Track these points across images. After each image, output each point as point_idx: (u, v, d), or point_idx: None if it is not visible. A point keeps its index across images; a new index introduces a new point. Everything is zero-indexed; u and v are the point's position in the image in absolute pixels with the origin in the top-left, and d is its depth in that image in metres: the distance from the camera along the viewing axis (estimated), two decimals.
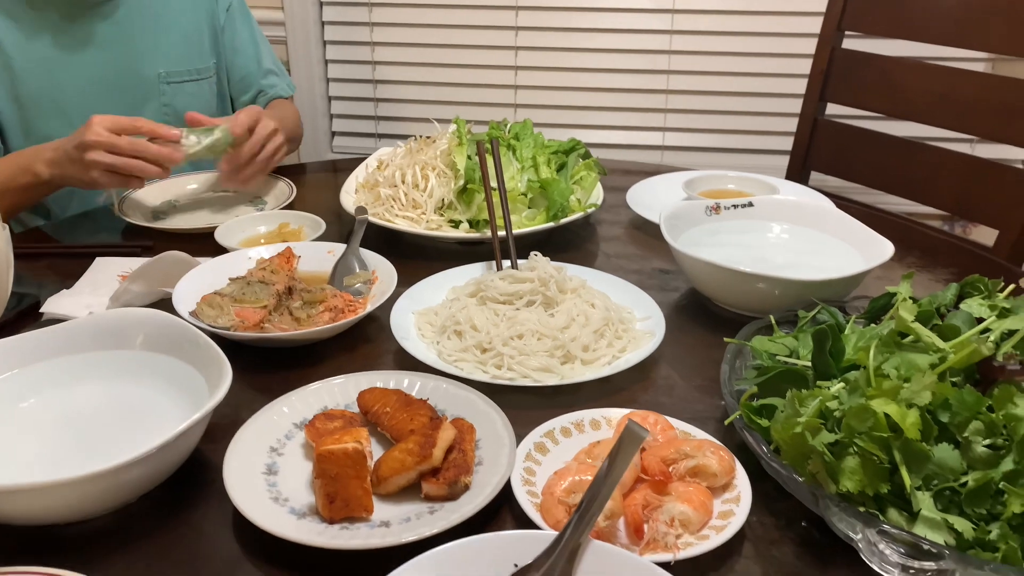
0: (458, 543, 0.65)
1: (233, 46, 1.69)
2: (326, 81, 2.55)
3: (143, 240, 1.29)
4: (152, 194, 1.45)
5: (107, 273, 1.16)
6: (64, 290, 1.11)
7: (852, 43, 1.84)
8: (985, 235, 2.18)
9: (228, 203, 1.46)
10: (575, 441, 0.83)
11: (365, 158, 1.49)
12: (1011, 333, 0.78)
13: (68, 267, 1.19)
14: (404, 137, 1.44)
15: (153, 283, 1.06)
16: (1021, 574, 0.61)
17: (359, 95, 2.55)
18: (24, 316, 1.07)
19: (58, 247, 1.28)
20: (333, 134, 2.63)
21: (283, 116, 1.59)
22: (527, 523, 0.72)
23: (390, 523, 0.72)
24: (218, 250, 1.21)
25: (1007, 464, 0.67)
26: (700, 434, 0.83)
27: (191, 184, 1.50)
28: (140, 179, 1.28)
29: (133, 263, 1.18)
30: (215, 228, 1.26)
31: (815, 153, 1.91)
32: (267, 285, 1.04)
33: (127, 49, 1.51)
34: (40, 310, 1.06)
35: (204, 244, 1.22)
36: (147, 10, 1.52)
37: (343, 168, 1.66)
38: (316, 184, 1.61)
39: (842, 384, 0.76)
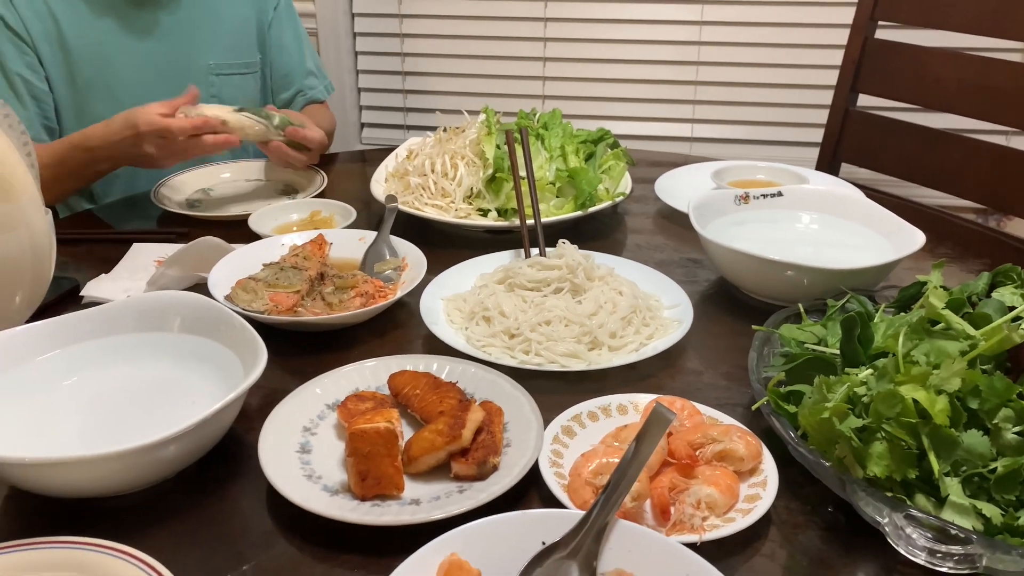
0: (488, 520, 0.66)
1: (279, 43, 1.71)
2: (356, 73, 2.57)
3: (178, 227, 1.31)
4: (187, 182, 1.47)
5: (144, 258, 1.19)
6: (103, 275, 1.13)
7: (885, 33, 1.82)
8: (1020, 228, 2.16)
9: (261, 192, 1.48)
10: (602, 425, 0.84)
11: (394, 148, 1.51)
12: None
13: (106, 252, 1.22)
14: (433, 128, 1.46)
15: (188, 268, 1.09)
16: None
17: (388, 87, 2.57)
18: (64, 300, 1.10)
19: (96, 233, 1.31)
20: (362, 125, 2.65)
21: (318, 123, 1.63)
22: (554, 503, 0.73)
23: (420, 501, 0.74)
24: (251, 237, 1.23)
25: None
26: (727, 420, 0.83)
27: (225, 173, 1.52)
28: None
29: (169, 249, 1.20)
30: (248, 216, 1.28)
31: (846, 144, 1.90)
32: (300, 271, 1.06)
33: (181, 39, 1.54)
34: (80, 294, 1.08)
35: (238, 231, 1.25)
36: (203, 2, 1.55)
37: (372, 159, 1.67)
38: (346, 174, 1.63)
39: (870, 370, 0.76)
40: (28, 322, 0.94)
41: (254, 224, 1.25)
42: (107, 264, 1.18)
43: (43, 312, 1.00)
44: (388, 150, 1.53)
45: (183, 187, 1.46)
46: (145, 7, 1.49)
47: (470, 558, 0.64)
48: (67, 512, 0.75)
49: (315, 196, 1.40)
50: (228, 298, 1.01)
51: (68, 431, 0.81)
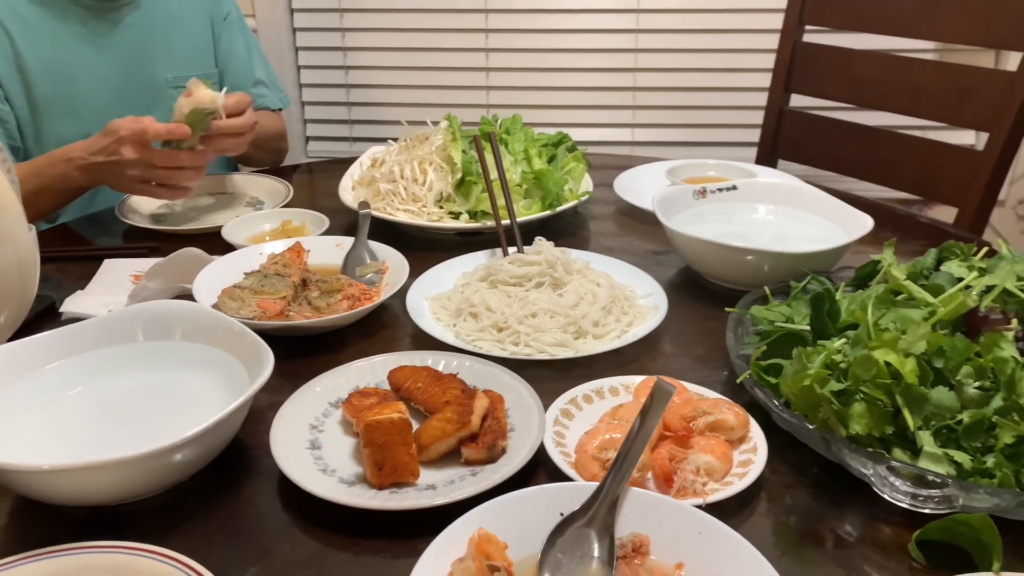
0: (509, 496, 0.70)
1: (229, 53, 1.72)
2: (299, 87, 2.57)
3: (147, 242, 1.31)
4: (150, 197, 1.47)
5: (118, 273, 1.19)
6: (79, 291, 1.13)
7: (812, 36, 1.93)
8: (943, 215, 2.30)
9: (225, 205, 1.49)
10: (597, 407, 0.88)
11: (342, 160, 1.53)
12: (990, 288, 0.86)
13: (76, 269, 1.21)
14: (379, 140, 1.49)
15: (170, 280, 1.09)
16: (1015, 496, 0.69)
17: (332, 100, 2.58)
18: (42, 317, 1.09)
19: (66, 250, 1.29)
20: (308, 139, 2.65)
21: (264, 125, 1.63)
22: (562, 480, 0.77)
23: (436, 486, 0.77)
24: (225, 248, 1.24)
25: (997, 401, 0.74)
26: (712, 395, 0.89)
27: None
28: (181, 189, 1.33)
29: (143, 263, 1.20)
30: (219, 228, 1.29)
31: (781, 143, 2.00)
32: (283, 277, 1.08)
33: (139, 53, 1.54)
34: (60, 310, 1.08)
35: (209, 243, 1.25)
36: (159, 16, 1.55)
37: (319, 170, 1.70)
38: (301, 184, 1.64)
39: (844, 340, 0.83)
40: (10, 340, 0.94)
41: (227, 235, 1.26)
42: (80, 281, 1.17)
43: (23, 330, 0.99)
44: (336, 162, 1.55)
45: (148, 202, 1.45)
46: (92, 24, 1.48)
47: (496, 532, 0.67)
48: (87, 519, 0.76)
49: (283, 206, 1.41)
50: (215, 307, 1.02)
51: (77, 440, 0.82)
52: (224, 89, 1.32)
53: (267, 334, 1.01)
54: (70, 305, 1.08)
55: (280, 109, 1.81)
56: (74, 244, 1.36)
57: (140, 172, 1.28)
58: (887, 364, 0.76)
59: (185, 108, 1.27)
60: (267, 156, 1.76)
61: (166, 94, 1.56)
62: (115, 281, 1.16)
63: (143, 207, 1.45)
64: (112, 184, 1.33)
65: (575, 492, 0.71)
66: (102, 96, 1.50)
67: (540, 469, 0.81)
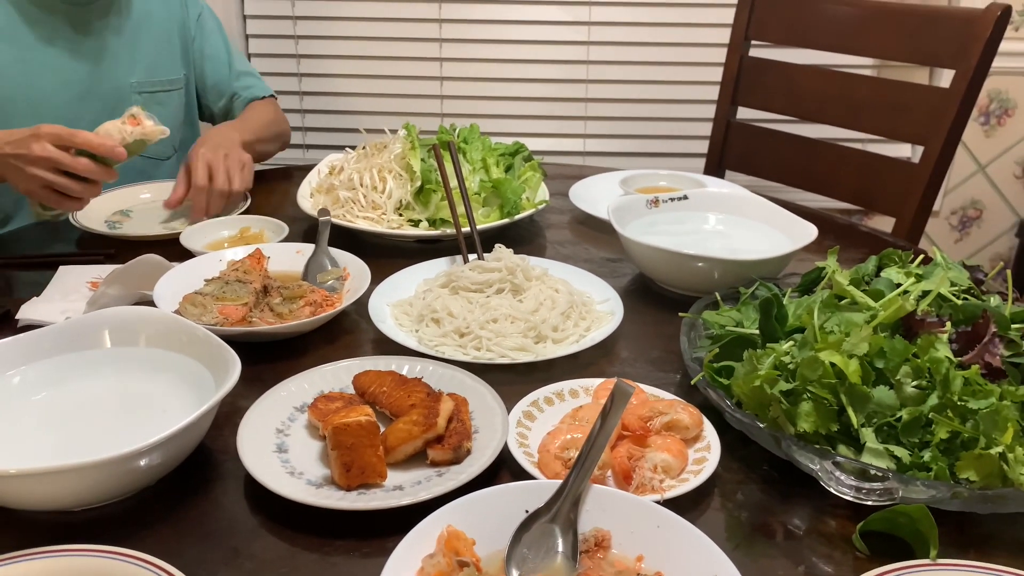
0: (476, 494, 0.72)
1: (203, 54, 1.72)
2: None
3: (103, 248, 1.30)
4: (106, 204, 1.45)
5: (74, 280, 1.18)
6: (35, 298, 1.12)
7: (758, 51, 2.00)
8: (881, 224, 2.40)
9: (181, 211, 1.48)
10: (558, 408, 0.91)
11: (294, 168, 1.54)
12: (926, 293, 0.91)
13: (29, 276, 1.20)
14: (334, 147, 1.50)
15: (130, 286, 1.09)
16: (949, 487, 0.73)
17: (285, 107, 2.56)
18: None
19: (18, 258, 1.27)
20: None
21: (255, 118, 1.66)
22: (526, 478, 0.80)
23: (403, 487, 0.79)
24: (183, 254, 1.24)
25: (933, 400, 0.79)
26: (668, 396, 0.93)
27: (144, 194, 1.51)
28: (75, 200, 1.28)
29: (100, 270, 1.20)
30: (176, 234, 1.29)
31: (729, 154, 2.07)
32: (244, 284, 1.09)
33: (105, 58, 1.52)
34: (16, 317, 1.07)
35: (167, 250, 1.24)
36: (127, 21, 1.54)
37: (275, 178, 1.71)
38: (255, 192, 1.63)
39: (792, 342, 0.88)
40: None
41: (186, 241, 1.26)
42: (34, 288, 1.16)
43: None
44: (292, 169, 1.56)
45: (102, 209, 1.44)
46: (58, 24, 1.46)
47: (464, 529, 0.69)
48: (49, 526, 0.76)
49: (240, 213, 1.41)
50: (177, 313, 1.02)
51: (41, 445, 0.81)
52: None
53: (230, 340, 1.02)
54: (27, 312, 1.07)
55: (272, 95, 1.82)
56: (27, 251, 1.34)
57: (43, 172, 1.23)
58: (832, 365, 0.80)
59: (130, 137, 1.27)
60: (271, 146, 1.74)
61: (130, 100, 1.54)
62: (71, 288, 1.15)
63: (98, 213, 1.43)
64: (10, 178, 1.27)
65: (539, 490, 0.73)
66: (64, 99, 1.48)
67: (504, 469, 0.84)
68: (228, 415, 0.90)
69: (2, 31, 1.43)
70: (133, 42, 1.57)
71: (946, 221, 2.74)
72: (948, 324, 0.86)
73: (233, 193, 1.40)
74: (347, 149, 1.51)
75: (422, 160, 1.36)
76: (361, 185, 1.36)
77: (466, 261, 1.20)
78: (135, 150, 1.28)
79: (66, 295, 1.13)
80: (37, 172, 1.23)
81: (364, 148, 1.46)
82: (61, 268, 1.21)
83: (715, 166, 2.08)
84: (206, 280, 1.11)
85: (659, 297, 1.22)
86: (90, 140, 1.23)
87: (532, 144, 2.49)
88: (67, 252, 1.30)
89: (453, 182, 1.31)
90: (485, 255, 1.19)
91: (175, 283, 1.10)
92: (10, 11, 1.43)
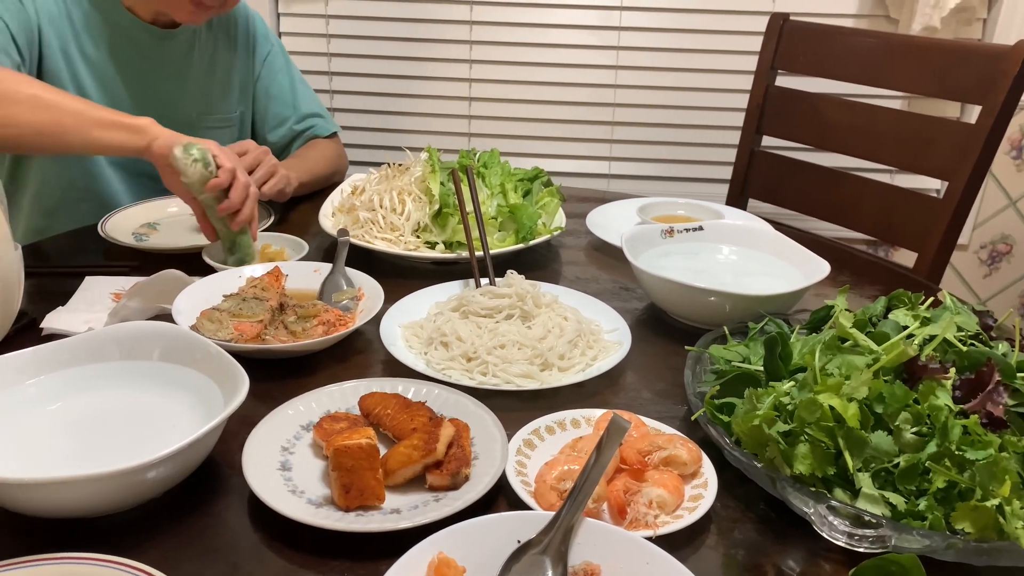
0: (469, 522, 0.73)
1: (268, 94, 1.76)
2: None
3: (128, 260, 1.33)
4: (133, 216, 1.49)
5: (99, 291, 1.21)
6: (60, 307, 1.15)
7: (784, 80, 2.01)
8: (906, 257, 2.38)
9: None
10: (559, 438, 0.92)
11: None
12: (932, 338, 0.91)
13: (58, 285, 1.24)
14: (361, 163, 1.53)
15: (150, 299, 1.12)
16: (944, 538, 0.73)
17: None
18: (22, 333, 1.11)
19: (47, 267, 1.31)
20: None
21: (313, 157, 1.72)
22: (522, 508, 0.81)
23: (400, 510, 0.80)
24: (204, 269, 1.27)
25: (931, 447, 0.79)
26: (668, 430, 0.93)
27: (171, 207, 1.55)
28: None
29: (124, 282, 1.23)
30: (200, 248, 1.32)
31: (752, 181, 2.07)
32: (261, 301, 1.11)
33: (169, 91, 1.57)
34: (40, 326, 1.10)
35: (190, 264, 1.28)
36: (201, 54, 1.58)
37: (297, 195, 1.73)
38: (279, 207, 1.66)
39: (792, 383, 0.88)
40: None
41: (208, 257, 1.29)
42: (60, 297, 1.19)
43: (2, 346, 1.02)
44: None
45: (129, 221, 1.48)
46: (153, 50, 1.51)
47: (455, 557, 0.71)
48: (63, 531, 0.78)
49: (264, 230, 1.44)
50: (194, 328, 1.05)
51: (54, 454, 0.84)
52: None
53: (243, 356, 1.05)
54: (51, 321, 1.10)
55: (334, 133, 1.85)
56: (56, 261, 1.39)
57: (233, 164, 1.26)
58: (831, 408, 0.81)
59: (198, 184, 1.25)
60: (324, 183, 1.74)
61: (188, 132, 1.55)
62: (95, 299, 1.18)
63: (125, 225, 1.47)
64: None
65: (532, 520, 0.74)
66: None
67: (501, 496, 0.85)
68: (236, 430, 0.92)
69: (92, 64, 1.47)
70: (195, 77, 1.60)
71: (975, 255, 2.70)
72: (952, 371, 0.86)
73: (259, 192, 1.41)
74: (371, 169, 1.54)
75: (441, 184, 1.38)
76: (381, 206, 1.38)
77: (478, 285, 1.21)
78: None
79: (90, 306, 1.16)
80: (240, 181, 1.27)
81: (386, 170, 1.48)
82: (87, 278, 1.25)
83: (738, 194, 2.08)
84: (224, 296, 1.13)
85: (669, 328, 1.23)
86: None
87: (558, 165, 2.54)
88: (94, 263, 1.33)
89: (470, 206, 1.33)
90: (497, 280, 1.20)
91: (194, 297, 1.13)
92: (100, 45, 1.48)
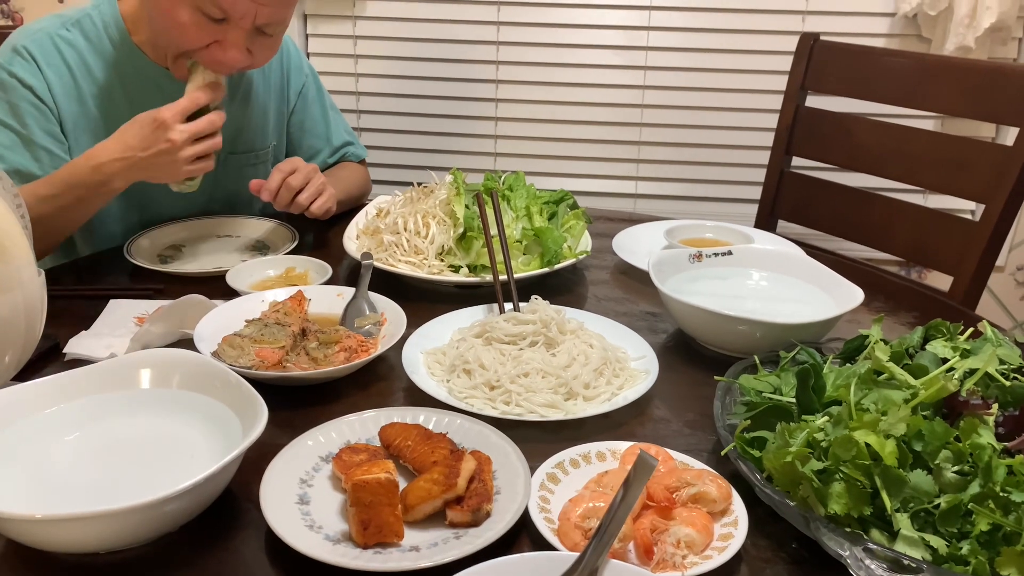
0: (492, 563, 0.71)
1: (302, 127, 1.75)
2: None
3: (153, 283, 1.33)
4: (158, 238, 1.50)
5: (122, 314, 1.21)
6: (83, 331, 1.15)
7: (814, 101, 1.97)
8: (939, 280, 2.32)
9: (233, 247, 1.52)
10: (583, 472, 0.90)
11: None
12: (972, 371, 0.88)
13: (82, 309, 1.24)
14: (387, 183, 1.52)
15: (173, 324, 1.12)
16: None
17: None
18: (45, 357, 1.11)
19: (71, 289, 1.31)
20: None
21: (346, 178, 1.71)
22: (545, 547, 0.78)
23: (419, 548, 0.78)
24: (227, 292, 1.26)
25: (974, 488, 0.75)
26: (697, 465, 0.91)
27: (196, 229, 1.55)
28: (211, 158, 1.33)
29: (147, 305, 1.23)
30: (223, 272, 1.32)
31: (781, 202, 2.04)
32: (283, 327, 1.10)
33: None
34: (63, 351, 1.10)
35: (213, 287, 1.27)
36: (232, 88, 1.54)
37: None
38: (304, 228, 1.66)
39: (826, 417, 0.85)
40: (13, 380, 0.96)
41: (231, 280, 1.29)
42: (84, 321, 1.20)
43: (25, 370, 1.02)
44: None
45: (155, 243, 1.48)
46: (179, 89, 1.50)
47: None
48: (70, 567, 0.77)
49: (288, 252, 1.44)
50: (215, 354, 1.04)
51: (71, 486, 0.83)
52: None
53: (264, 383, 1.04)
54: (74, 347, 1.10)
55: (363, 159, 1.86)
56: (80, 282, 1.39)
57: (192, 151, 1.28)
58: (867, 445, 0.77)
59: (200, 80, 1.33)
60: (348, 206, 1.72)
61: (218, 170, 1.54)
62: (118, 322, 1.18)
63: (150, 247, 1.47)
64: (159, 176, 1.32)
65: (555, 561, 0.72)
66: None
67: (524, 534, 0.82)
68: (255, 460, 0.90)
69: (103, 98, 1.45)
70: (235, 114, 1.57)
71: (1011, 277, 2.64)
72: (995, 407, 0.82)
73: (304, 207, 1.47)
74: (396, 192, 1.53)
75: (466, 207, 1.36)
76: (405, 229, 1.37)
77: (502, 311, 1.20)
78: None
79: (113, 330, 1.16)
80: (189, 153, 1.28)
81: (411, 192, 1.47)
82: (111, 302, 1.25)
83: (767, 215, 2.05)
84: (246, 321, 1.12)
85: (698, 355, 1.20)
86: (198, 98, 1.30)
87: (584, 185, 2.52)
88: (118, 286, 1.33)
89: (494, 230, 1.32)
90: (521, 305, 1.18)
91: (216, 323, 1.12)
92: (112, 83, 1.46)
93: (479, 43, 2.46)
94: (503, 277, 1.26)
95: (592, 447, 0.93)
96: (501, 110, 2.52)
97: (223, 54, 1.32)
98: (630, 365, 1.11)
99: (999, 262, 2.52)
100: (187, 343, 1.09)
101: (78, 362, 1.06)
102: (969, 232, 1.68)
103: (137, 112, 1.33)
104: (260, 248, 1.51)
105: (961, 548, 0.73)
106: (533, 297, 1.17)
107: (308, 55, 2.54)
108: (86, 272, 1.46)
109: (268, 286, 1.31)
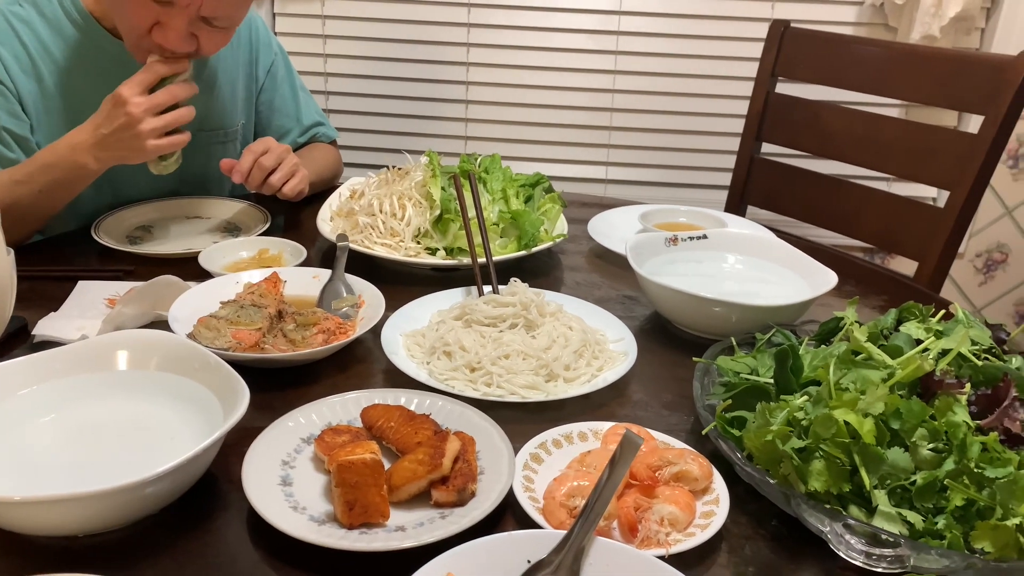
0: (479, 542, 0.71)
1: (271, 106, 1.72)
2: None
3: (123, 264, 1.31)
4: (127, 219, 1.46)
5: (92, 296, 1.18)
6: (52, 313, 1.12)
7: (784, 88, 1.99)
8: (903, 266, 2.37)
9: (203, 228, 1.49)
10: (566, 451, 0.90)
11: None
12: (946, 352, 0.90)
13: (49, 290, 1.21)
14: (357, 166, 1.50)
15: (146, 306, 1.09)
16: (963, 557, 0.72)
17: None
18: (14, 339, 1.08)
19: (39, 270, 1.28)
20: None
21: (317, 159, 1.68)
22: (531, 525, 0.79)
23: (405, 528, 0.78)
24: (200, 274, 1.24)
25: (949, 464, 0.77)
26: (678, 444, 0.92)
27: (165, 210, 1.52)
28: (183, 134, 1.31)
29: (118, 286, 1.21)
30: (195, 253, 1.30)
31: (751, 189, 2.06)
32: (259, 308, 1.09)
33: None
34: (32, 332, 1.07)
35: (185, 269, 1.25)
36: (199, 65, 1.50)
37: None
38: (276, 211, 1.63)
39: (806, 397, 0.86)
40: None
41: (204, 262, 1.27)
42: (52, 302, 1.17)
43: None
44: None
45: (123, 223, 1.45)
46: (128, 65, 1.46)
47: None
48: (49, 551, 0.76)
49: (260, 234, 1.42)
50: (191, 336, 1.03)
51: (48, 469, 0.81)
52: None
53: (241, 365, 1.02)
54: (43, 328, 1.08)
55: (334, 140, 1.84)
56: (47, 263, 1.35)
57: (153, 124, 1.26)
58: (846, 423, 0.79)
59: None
60: (320, 188, 1.69)
61: (186, 149, 1.51)
62: (89, 304, 1.16)
63: (119, 227, 1.44)
64: (128, 154, 1.29)
65: (543, 540, 0.72)
66: None
67: (508, 513, 0.83)
68: (236, 442, 0.89)
69: (62, 78, 1.42)
70: (201, 91, 1.50)
71: (971, 264, 2.70)
72: (967, 386, 0.85)
73: (276, 188, 1.45)
74: (369, 173, 1.51)
75: (442, 188, 1.36)
76: (381, 211, 1.36)
77: (481, 293, 1.19)
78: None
79: (83, 312, 1.14)
80: (150, 127, 1.26)
81: (386, 174, 1.46)
82: (80, 283, 1.22)
83: (737, 201, 2.07)
84: (222, 303, 1.11)
85: (675, 338, 1.21)
86: (158, 70, 1.27)
87: (555, 170, 2.52)
88: (87, 267, 1.30)
89: (472, 212, 1.31)
90: (501, 288, 1.18)
91: (191, 304, 1.10)
92: (71, 59, 1.42)
93: (450, 25, 2.44)
94: (481, 260, 1.25)
95: (574, 427, 0.93)
96: (472, 93, 2.50)
97: (163, 37, 1.28)
98: (609, 347, 1.12)
99: (959, 249, 2.59)
100: (161, 325, 1.07)
101: (48, 344, 1.04)
102: (934, 218, 1.71)
103: (99, 88, 1.30)
104: (231, 230, 1.49)
105: (937, 523, 0.75)
106: (512, 280, 1.17)
107: (275, 34, 2.50)
108: (53, 252, 1.42)
109: (242, 268, 1.29)
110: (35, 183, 1.30)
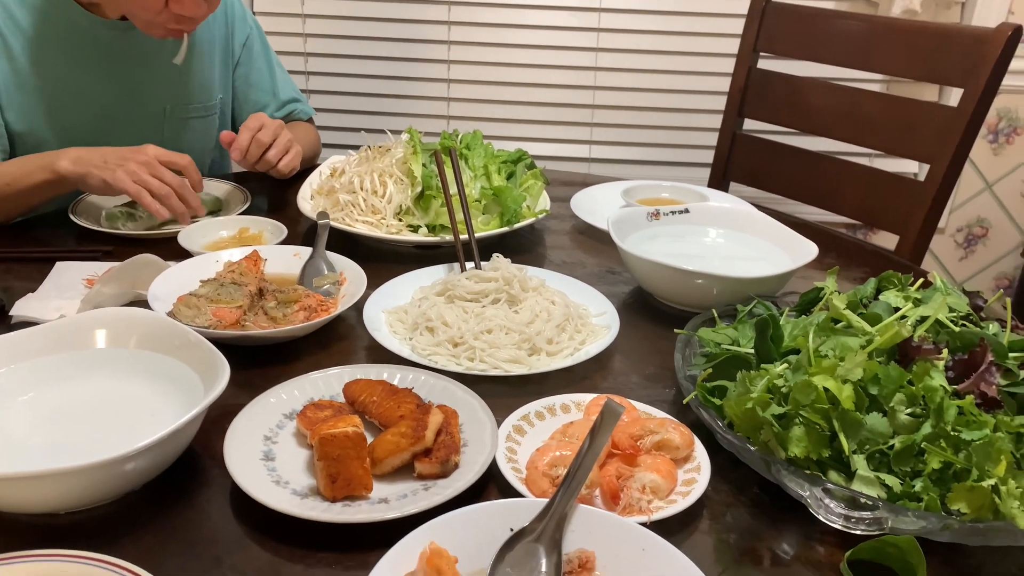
0: (461, 511, 0.72)
1: (248, 81, 1.71)
2: None
3: (101, 244, 1.29)
4: (106, 199, 1.45)
5: (70, 276, 1.17)
6: (30, 294, 1.11)
7: (766, 63, 1.99)
8: (886, 240, 2.38)
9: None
10: (549, 423, 0.91)
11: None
12: (924, 319, 0.91)
13: (26, 271, 1.20)
14: (338, 146, 1.49)
15: (125, 285, 1.09)
16: (940, 519, 0.73)
17: None
18: None
19: (16, 251, 1.26)
20: None
21: (297, 136, 1.64)
22: (513, 495, 0.79)
23: (388, 500, 0.78)
24: (180, 253, 1.23)
25: (926, 428, 0.78)
26: (659, 414, 0.92)
27: None
28: (160, 212, 1.31)
29: (96, 267, 1.20)
30: (174, 233, 1.28)
31: (734, 165, 2.06)
32: (240, 286, 1.08)
33: (138, 82, 1.50)
34: (10, 313, 1.06)
35: (164, 249, 1.24)
36: (164, 44, 1.49)
37: (274, 178, 1.68)
38: (256, 191, 1.62)
39: (785, 365, 0.87)
40: None
41: (183, 241, 1.26)
42: (30, 283, 1.15)
43: None
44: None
45: (101, 204, 1.44)
46: (111, 44, 1.45)
47: (447, 546, 0.69)
48: (31, 528, 0.75)
49: (241, 213, 1.41)
50: (171, 314, 1.02)
51: (27, 447, 0.81)
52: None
53: (222, 343, 1.02)
54: (21, 308, 1.07)
55: (311, 118, 1.83)
56: (25, 244, 1.34)
57: (142, 168, 1.28)
58: (825, 390, 0.80)
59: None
60: (306, 164, 1.69)
61: (162, 126, 1.50)
62: (67, 285, 1.15)
63: (97, 208, 1.43)
64: (101, 169, 1.28)
65: (525, 508, 0.72)
66: (95, 125, 1.47)
67: (492, 484, 0.83)
68: (217, 419, 0.89)
69: (35, 54, 1.40)
70: (170, 67, 1.52)
71: (951, 238, 2.72)
72: (945, 351, 0.85)
73: (272, 164, 1.46)
74: (349, 151, 1.50)
75: (424, 165, 1.35)
76: (361, 189, 1.35)
77: (463, 269, 1.19)
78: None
79: (62, 292, 1.13)
80: (136, 167, 1.28)
81: (366, 151, 1.45)
82: (58, 264, 1.21)
83: (720, 177, 2.07)
84: (201, 281, 1.10)
85: (657, 311, 1.22)
86: (186, 164, 1.32)
87: (537, 149, 2.51)
88: (64, 248, 1.29)
89: (453, 189, 1.31)
90: (483, 264, 1.18)
91: (170, 283, 1.09)
92: (44, 35, 1.40)
93: (431, 2, 2.42)
94: (464, 236, 1.25)
95: (556, 400, 0.93)
96: (454, 72, 2.49)
97: (180, 5, 1.28)
98: (591, 321, 1.12)
99: (940, 223, 2.60)
100: (140, 304, 1.06)
101: (26, 325, 1.02)
102: (915, 192, 1.72)
103: (73, 65, 1.28)
104: (212, 210, 1.48)
105: (914, 486, 0.76)
106: (495, 255, 1.17)
107: (254, 13, 2.47)
108: (29, 234, 1.40)
109: (222, 247, 1.28)
110: (5, 175, 1.30)
